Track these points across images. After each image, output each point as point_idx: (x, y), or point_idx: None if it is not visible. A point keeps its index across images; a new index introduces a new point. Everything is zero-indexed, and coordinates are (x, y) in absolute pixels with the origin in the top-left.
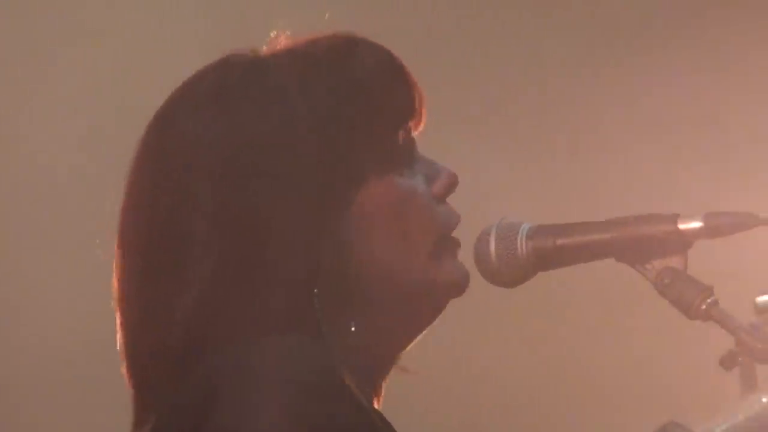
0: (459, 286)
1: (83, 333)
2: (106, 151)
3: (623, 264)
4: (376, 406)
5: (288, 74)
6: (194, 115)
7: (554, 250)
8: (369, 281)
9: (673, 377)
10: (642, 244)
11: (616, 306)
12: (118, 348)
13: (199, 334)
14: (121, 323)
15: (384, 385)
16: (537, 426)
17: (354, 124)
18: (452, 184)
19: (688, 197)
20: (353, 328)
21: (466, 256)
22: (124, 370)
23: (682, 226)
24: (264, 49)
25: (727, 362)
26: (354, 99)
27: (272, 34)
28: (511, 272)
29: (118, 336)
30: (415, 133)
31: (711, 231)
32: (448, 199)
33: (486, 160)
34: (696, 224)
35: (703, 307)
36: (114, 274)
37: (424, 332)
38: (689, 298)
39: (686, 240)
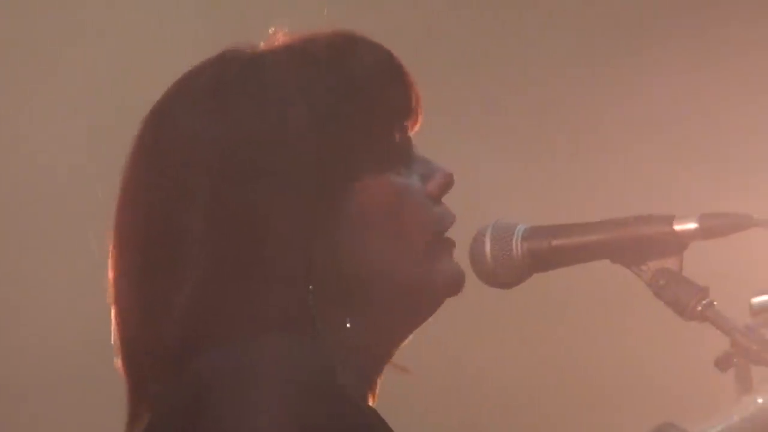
0: (454, 286)
1: (83, 333)
2: (106, 151)
3: (619, 265)
4: (371, 402)
5: (285, 71)
6: (191, 111)
7: (549, 251)
8: (364, 279)
9: (669, 378)
10: (637, 245)
11: (612, 307)
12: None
13: (194, 331)
14: (117, 317)
15: (378, 381)
16: (534, 426)
17: (351, 122)
18: (448, 184)
19: (688, 197)
20: (348, 325)
21: (462, 256)
22: (119, 363)
23: (677, 227)
24: (262, 46)
25: (722, 363)
26: (351, 97)
27: (270, 31)
28: (506, 273)
29: (113, 330)
30: (411, 133)
31: (706, 232)
32: (447, 200)
33: (485, 160)
34: (691, 225)
35: (699, 308)
36: (109, 269)
37: (418, 330)
38: (684, 300)
39: (681, 241)
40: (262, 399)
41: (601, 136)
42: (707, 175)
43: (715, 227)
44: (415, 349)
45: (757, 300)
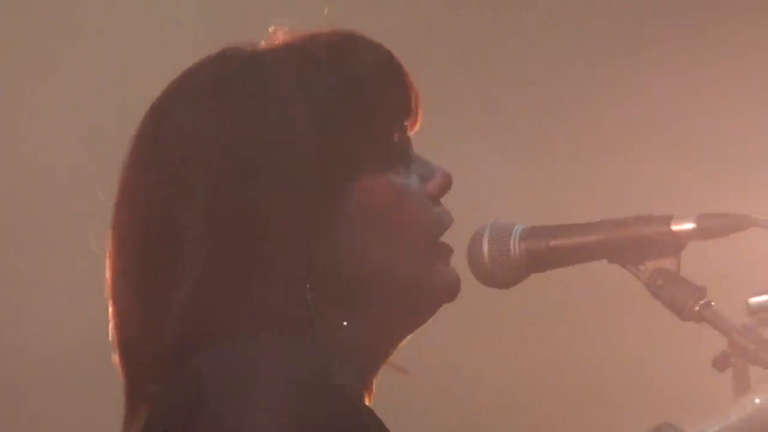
0: (450, 292)
1: (83, 333)
2: (107, 151)
3: (617, 265)
4: (367, 402)
5: (286, 69)
6: (191, 108)
7: (547, 252)
8: (362, 278)
9: (667, 378)
10: (635, 245)
11: (611, 307)
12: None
13: (193, 329)
14: (114, 315)
15: (375, 381)
16: (532, 426)
17: (350, 121)
18: (446, 185)
19: (688, 197)
20: (345, 324)
21: (461, 257)
22: (116, 359)
23: (675, 227)
24: (262, 44)
25: (720, 363)
26: (351, 96)
27: (270, 29)
28: (504, 273)
29: (111, 325)
30: (411, 133)
31: (704, 232)
32: (447, 200)
33: (485, 160)
34: (689, 225)
35: (696, 308)
36: (107, 267)
37: (417, 329)
38: (682, 300)
39: (679, 241)
40: (261, 398)
41: (601, 136)
42: (707, 175)
43: (713, 227)
44: (414, 349)
45: (754, 300)
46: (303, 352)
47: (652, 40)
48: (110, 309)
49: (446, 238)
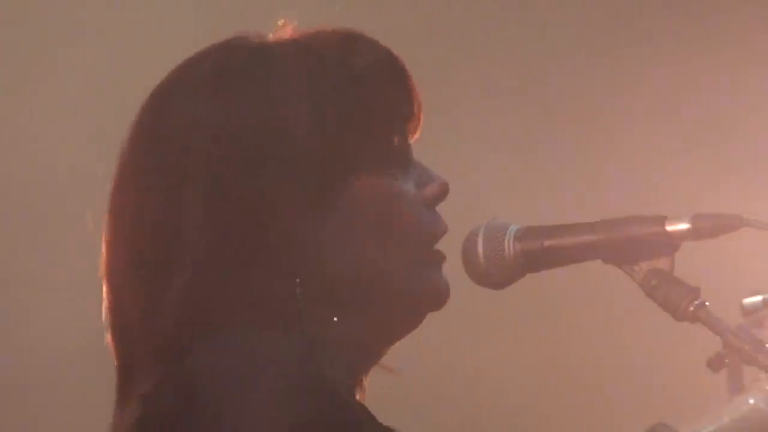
0: (438, 300)
1: (83, 333)
2: (107, 151)
3: (612, 265)
4: (358, 398)
5: (291, 63)
6: (192, 96)
7: (542, 252)
8: (353, 278)
9: (661, 379)
10: (629, 245)
11: (604, 308)
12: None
13: (188, 320)
14: (109, 292)
15: (365, 379)
16: (530, 426)
17: (352, 119)
18: (443, 192)
19: (688, 197)
20: (335, 320)
21: (456, 257)
22: (109, 339)
23: (669, 227)
24: (270, 37)
25: (714, 364)
26: (354, 95)
27: (280, 23)
28: (498, 273)
29: (104, 304)
30: (411, 139)
31: (698, 233)
32: (447, 202)
33: (485, 160)
34: (683, 226)
35: (691, 308)
36: (103, 245)
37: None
38: (676, 300)
39: (673, 241)
40: (253, 394)
41: (600, 136)
42: (707, 175)
43: (707, 228)
44: (413, 349)
45: (748, 300)
46: (294, 347)
47: (651, 40)
48: (104, 288)
49: (444, 237)
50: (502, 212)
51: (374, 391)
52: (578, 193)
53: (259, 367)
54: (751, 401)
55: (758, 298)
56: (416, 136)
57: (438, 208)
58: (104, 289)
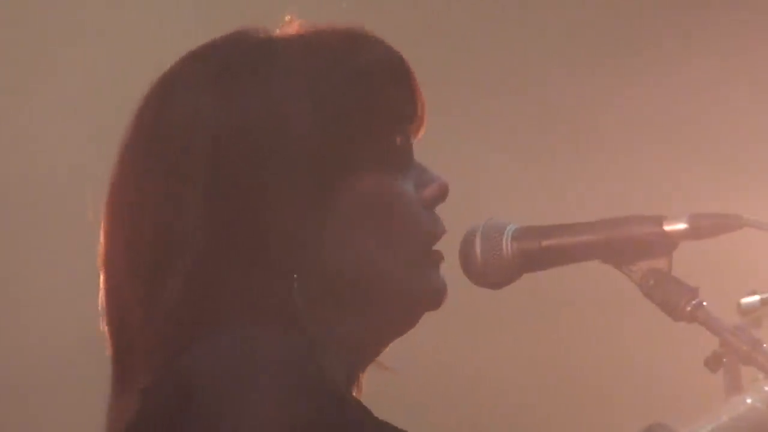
0: (435, 300)
1: (83, 333)
2: (107, 151)
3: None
4: (355, 395)
5: (296, 59)
6: (195, 91)
7: (539, 252)
8: (350, 276)
9: (659, 378)
10: (627, 245)
11: (601, 307)
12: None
13: (187, 315)
14: (106, 283)
15: (362, 377)
16: (528, 425)
17: (354, 117)
18: (442, 194)
19: (688, 197)
20: (334, 318)
21: (455, 257)
22: (104, 327)
23: (667, 227)
24: (276, 32)
25: (712, 364)
26: (358, 94)
27: (287, 18)
28: (496, 273)
29: (101, 293)
30: (414, 140)
31: (696, 232)
32: (445, 201)
33: (486, 160)
34: (681, 225)
35: (688, 308)
36: (101, 236)
37: (414, 329)
38: (674, 300)
39: (671, 241)
40: (252, 393)
41: (601, 136)
42: (707, 175)
43: (705, 227)
44: (412, 348)
45: (746, 300)
46: (295, 345)
47: (652, 40)
48: (101, 275)
49: (443, 237)
50: (501, 212)
51: (373, 391)
52: (576, 193)
53: (260, 366)
54: (749, 401)
55: (756, 298)
56: (419, 137)
57: (437, 209)
58: (101, 276)
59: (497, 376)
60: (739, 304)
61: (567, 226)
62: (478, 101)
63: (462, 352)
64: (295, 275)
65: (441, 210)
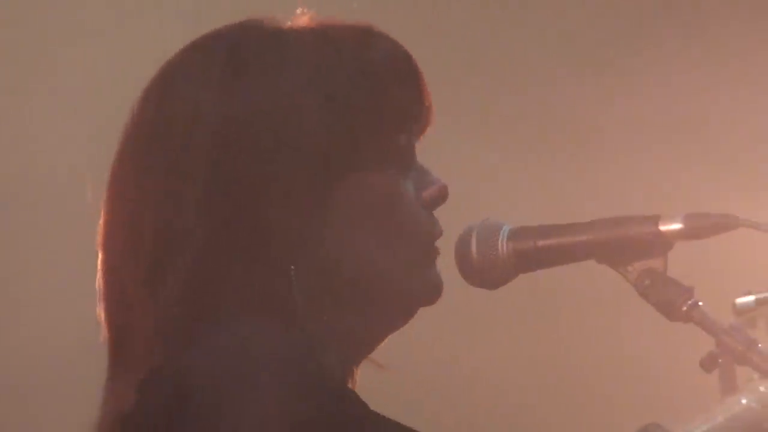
0: (432, 295)
1: (83, 333)
2: (107, 151)
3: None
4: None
5: (305, 52)
6: (202, 80)
7: (535, 252)
8: (352, 277)
9: (654, 378)
10: (622, 245)
11: (597, 308)
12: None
13: (186, 309)
14: (104, 267)
15: (357, 372)
16: (526, 425)
17: (360, 115)
18: (442, 197)
19: (688, 198)
20: (333, 314)
21: (452, 257)
22: (100, 313)
23: (662, 227)
24: (287, 24)
25: (707, 364)
26: (365, 91)
27: (298, 11)
28: (491, 273)
29: (98, 276)
30: (418, 140)
31: (691, 232)
32: (445, 203)
33: (486, 160)
34: (676, 226)
35: (684, 308)
36: (101, 220)
37: (413, 329)
38: (670, 300)
39: (666, 241)
40: (254, 394)
41: (601, 136)
42: (707, 175)
43: (700, 228)
44: (410, 347)
45: (741, 300)
46: (295, 343)
47: (652, 40)
48: (99, 258)
49: (441, 237)
50: (500, 212)
51: (372, 390)
52: (576, 193)
53: (260, 363)
54: (744, 401)
55: (750, 298)
56: (422, 137)
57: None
58: (99, 259)
59: (494, 375)
60: (734, 305)
61: (563, 226)
62: (477, 101)
63: (459, 351)
64: (294, 272)
65: (440, 209)
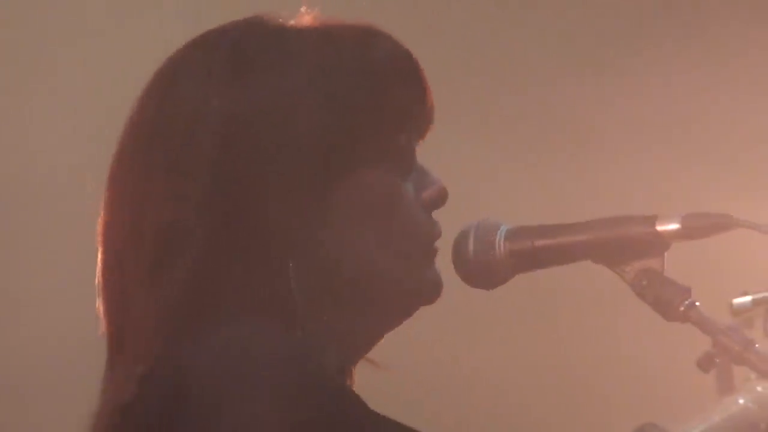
0: (432, 294)
1: (83, 333)
2: (107, 151)
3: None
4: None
5: (309, 51)
6: (204, 77)
7: (532, 252)
8: (351, 277)
9: (651, 378)
10: (620, 245)
11: (594, 307)
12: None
13: (186, 306)
14: (104, 261)
15: (354, 370)
16: (520, 423)
17: (363, 114)
18: (442, 198)
19: (688, 198)
20: (332, 314)
21: (449, 258)
22: (99, 308)
23: (659, 227)
24: (291, 22)
25: (704, 364)
26: (368, 89)
27: (302, 9)
28: (488, 273)
29: (98, 272)
30: (418, 141)
31: (688, 232)
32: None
33: (486, 160)
34: (673, 226)
35: (681, 308)
36: (101, 211)
37: (412, 329)
38: (667, 300)
39: (664, 241)
40: (253, 393)
41: (600, 136)
42: (707, 175)
43: (698, 228)
44: (409, 347)
45: (738, 300)
46: (293, 340)
47: (652, 40)
48: (99, 252)
49: (440, 239)
50: (499, 212)
51: (371, 390)
52: (576, 193)
53: (259, 362)
54: (741, 401)
55: (747, 299)
56: (424, 137)
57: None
58: (99, 256)
59: (493, 374)
60: (731, 305)
61: (560, 226)
62: (477, 101)
63: (457, 350)
64: (294, 271)
65: (439, 209)
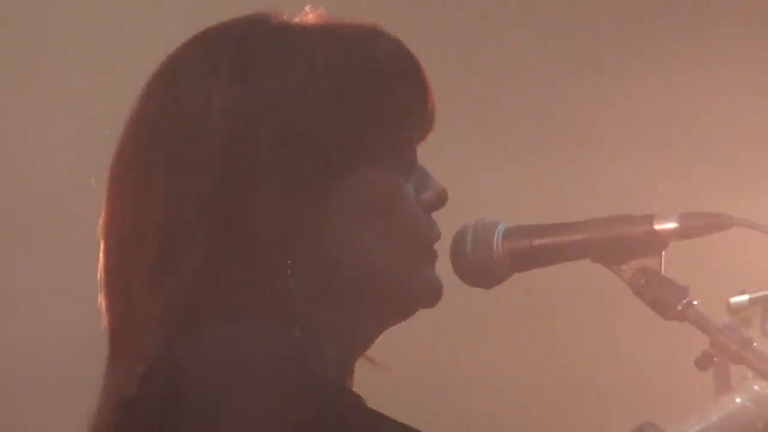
0: (432, 298)
1: (83, 333)
2: (107, 151)
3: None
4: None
5: (312, 49)
6: (208, 74)
7: (530, 251)
8: (351, 277)
9: (648, 378)
10: (617, 244)
11: (591, 307)
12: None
13: (187, 304)
14: (106, 256)
15: (353, 368)
16: (518, 423)
17: (365, 113)
18: (442, 200)
19: (688, 198)
20: (332, 314)
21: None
22: (101, 304)
23: (657, 226)
24: (295, 20)
25: (702, 363)
26: (370, 89)
27: (307, 8)
28: (486, 272)
29: (99, 270)
30: (420, 142)
31: (686, 231)
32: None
33: (486, 161)
34: (671, 225)
35: (679, 307)
36: (103, 206)
37: (411, 329)
38: (665, 299)
39: (662, 240)
40: (253, 393)
41: (600, 136)
42: (707, 175)
43: (695, 227)
44: (407, 346)
45: (735, 299)
46: (292, 339)
47: (652, 40)
48: (101, 247)
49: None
50: (499, 212)
51: (373, 390)
52: (575, 193)
53: (259, 362)
54: (738, 400)
55: (745, 297)
56: (424, 139)
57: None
58: (101, 253)
59: (490, 374)
60: (728, 304)
61: (558, 225)
62: (477, 101)
63: (456, 350)
64: (294, 271)
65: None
